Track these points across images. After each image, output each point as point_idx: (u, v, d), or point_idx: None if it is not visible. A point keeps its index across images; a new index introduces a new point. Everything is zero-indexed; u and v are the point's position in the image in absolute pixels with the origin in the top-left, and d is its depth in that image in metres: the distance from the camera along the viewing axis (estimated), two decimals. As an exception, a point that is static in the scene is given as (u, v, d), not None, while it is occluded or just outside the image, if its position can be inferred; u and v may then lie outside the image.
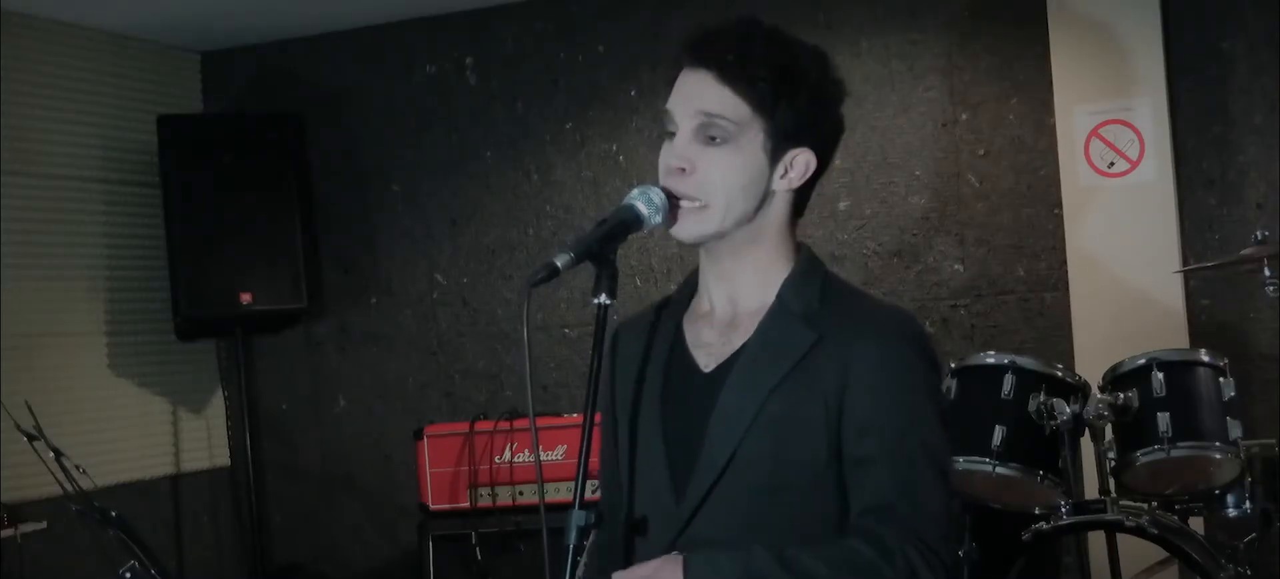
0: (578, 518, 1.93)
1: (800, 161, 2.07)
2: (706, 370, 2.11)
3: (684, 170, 2.04)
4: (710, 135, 2.04)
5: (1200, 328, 4.59)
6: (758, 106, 2.03)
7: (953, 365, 3.92)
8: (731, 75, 2.02)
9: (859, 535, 1.97)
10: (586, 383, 2.02)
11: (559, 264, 1.94)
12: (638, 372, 2.18)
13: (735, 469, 2.03)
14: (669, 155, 2.06)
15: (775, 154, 2.05)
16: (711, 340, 2.13)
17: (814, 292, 2.09)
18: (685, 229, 2.06)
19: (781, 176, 2.07)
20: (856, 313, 2.08)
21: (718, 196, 2.04)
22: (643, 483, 2.13)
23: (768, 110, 2.03)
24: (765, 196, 2.07)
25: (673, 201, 2.05)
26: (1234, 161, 4.62)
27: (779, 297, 2.09)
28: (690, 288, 2.21)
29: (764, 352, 2.06)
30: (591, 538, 2.05)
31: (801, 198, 2.13)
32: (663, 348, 2.16)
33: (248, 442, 5.56)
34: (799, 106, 2.03)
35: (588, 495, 1.98)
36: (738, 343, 2.10)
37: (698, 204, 2.04)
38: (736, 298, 2.13)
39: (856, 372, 2.01)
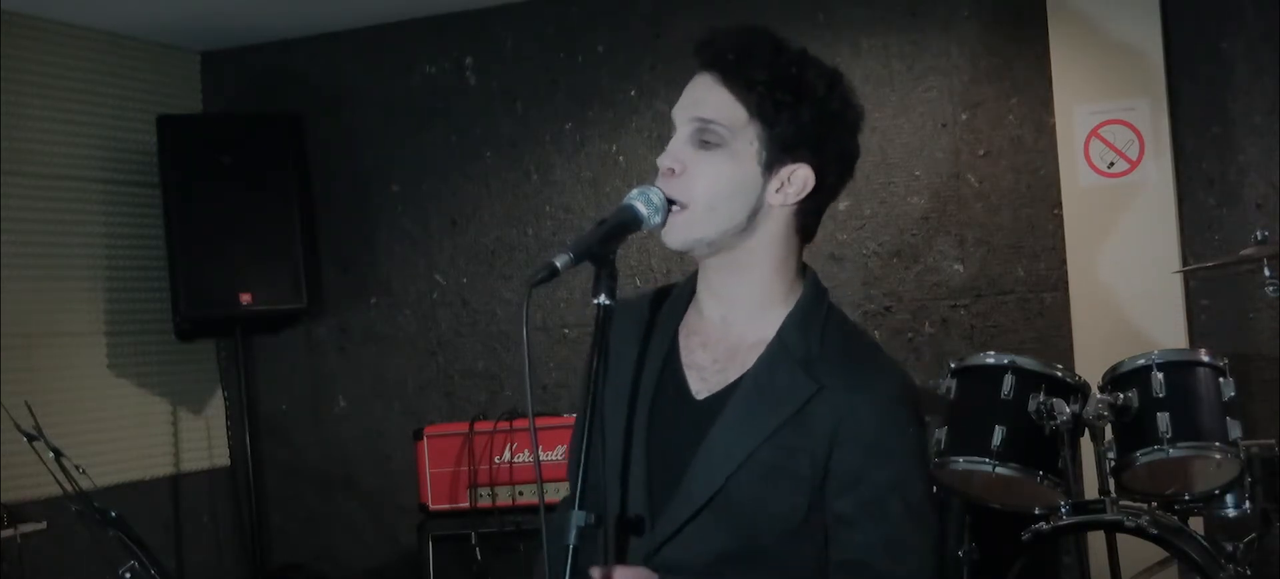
0: (578, 518, 1.92)
1: (798, 177, 2.03)
2: (698, 397, 2.09)
3: (674, 171, 2.03)
4: (704, 140, 2.02)
5: (1200, 328, 4.59)
6: (754, 111, 2.00)
7: (953, 365, 3.92)
8: (730, 76, 2.01)
9: None
10: (585, 383, 2.01)
11: (558, 264, 1.93)
12: (632, 368, 2.14)
13: (713, 509, 2.02)
14: (663, 156, 2.05)
15: (771, 165, 2.02)
16: (705, 364, 2.10)
17: (815, 334, 2.06)
18: (670, 232, 2.04)
19: (777, 190, 2.03)
20: (853, 366, 2.05)
21: (700, 199, 2.02)
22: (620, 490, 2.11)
23: (766, 117, 2.00)
24: (758, 210, 2.04)
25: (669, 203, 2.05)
26: (1234, 161, 4.62)
27: (779, 336, 2.06)
28: (688, 291, 2.18)
29: (760, 395, 2.03)
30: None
31: (806, 221, 2.08)
32: (657, 355, 2.13)
33: (248, 442, 5.56)
34: (800, 119, 2.00)
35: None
36: (733, 375, 2.07)
37: (680, 206, 2.02)
38: (732, 321, 2.10)
39: (847, 427, 1.99)
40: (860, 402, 2.00)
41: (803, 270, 2.12)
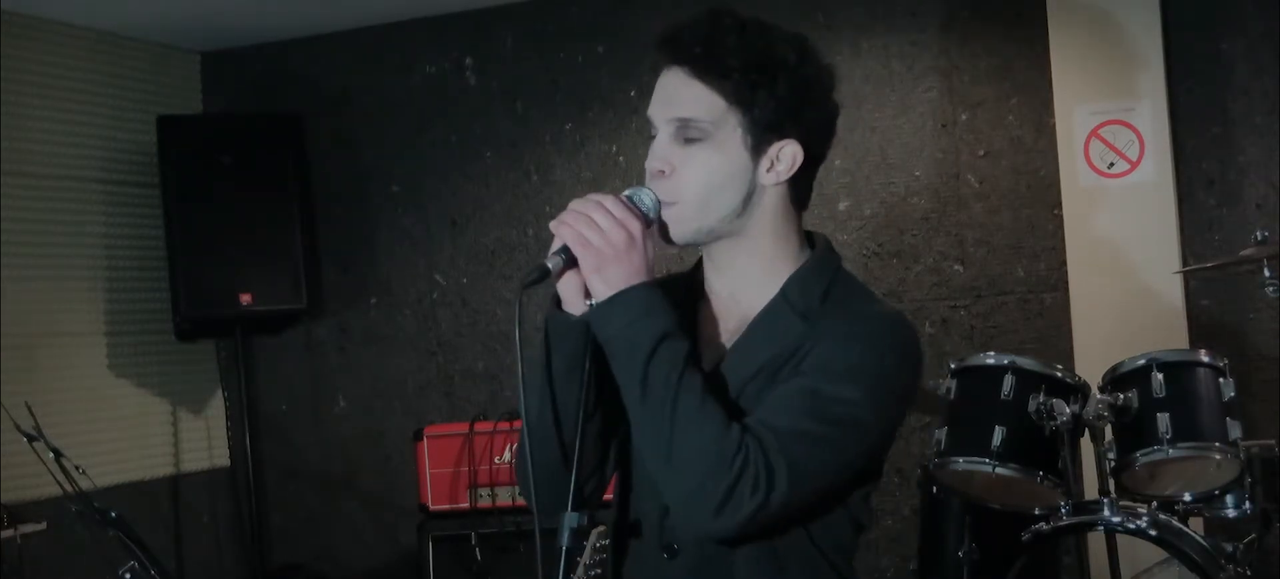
0: (571, 519, 1.92)
1: (787, 154, 2.02)
2: (706, 368, 2.08)
3: (663, 172, 2.02)
4: (687, 137, 2.01)
5: (1200, 328, 4.58)
6: (733, 99, 1.98)
7: (953, 366, 3.92)
8: (702, 68, 1.98)
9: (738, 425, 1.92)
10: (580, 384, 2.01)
11: (551, 266, 1.93)
12: None
13: None
14: (650, 158, 2.04)
15: (758, 147, 2.00)
16: (715, 336, 2.10)
17: (819, 288, 2.05)
18: (672, 230, 2.03)
19: (768, 170, 2.02)
20: (852, 309, 2.04)
21: (692, 196, 2.00)
22: (636, 485, 2.11)
23: (744, 102, 1.98)
24: (752, 192, 2.02)
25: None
26: (1234, 161, 4.61)
27: (783, 290, 2.05)
28: (688, 277, 2.17)
29: (752, 342, 2.03)
30: (591, 538, 2.04)
31: (798, 191, 2.07)
32: None
33: (247, 442, 5.56)
34: (778, 95, 1.98)
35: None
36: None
37: (673, 204, 2.01)
38: (740, 294, 2.09)
39: (819, 341, 1.98)
40: (839, 326, 1.99)
41: (808, 238, 2.11)
